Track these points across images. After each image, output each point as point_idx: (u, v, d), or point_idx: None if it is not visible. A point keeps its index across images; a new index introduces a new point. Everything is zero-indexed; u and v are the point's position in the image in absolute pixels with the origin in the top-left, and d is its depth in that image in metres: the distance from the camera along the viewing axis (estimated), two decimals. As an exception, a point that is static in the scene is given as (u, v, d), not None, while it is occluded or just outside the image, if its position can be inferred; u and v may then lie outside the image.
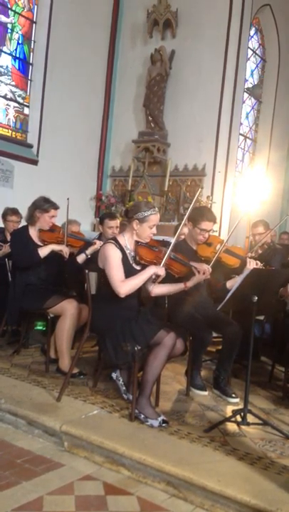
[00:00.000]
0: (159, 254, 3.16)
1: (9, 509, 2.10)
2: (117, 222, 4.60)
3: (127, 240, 3.14)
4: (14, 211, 4.88)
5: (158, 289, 3.22)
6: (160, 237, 3.28)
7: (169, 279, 3.25)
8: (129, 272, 3.10)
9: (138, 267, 3.15)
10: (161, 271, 3.04)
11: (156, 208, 3.17)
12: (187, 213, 3.44)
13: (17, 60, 7.35)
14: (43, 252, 3.79)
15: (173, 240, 3.28)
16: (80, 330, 3.67)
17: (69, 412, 2.95)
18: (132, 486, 2.38)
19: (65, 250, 3.84)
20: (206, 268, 3.32)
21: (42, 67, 7.38)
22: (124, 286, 2.96)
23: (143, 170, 7.90)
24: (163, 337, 2.86)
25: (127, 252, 3.12)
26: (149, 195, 7.53)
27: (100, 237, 4.64)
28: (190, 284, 3.29)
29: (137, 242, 3.14)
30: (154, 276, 3.04)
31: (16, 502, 2.15)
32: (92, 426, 2.77)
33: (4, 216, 4.93)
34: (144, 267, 3.19)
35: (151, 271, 3.03)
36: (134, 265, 3.14)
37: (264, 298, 3.01)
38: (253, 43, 8.96)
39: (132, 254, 3.14)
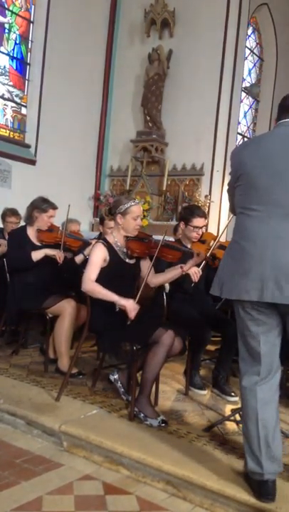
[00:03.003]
0: (150, 244, 3.19)
1: (8, 509, 2.10)
2: None
3: (115, 237, 3.17)
4: (13, 212, 4.88)
5: (156, 280, 3.26)
6: (159, 237, 3.29)
7: (161, 266, 3.31)
8: (121, 268, 3.13)
9: (132, 261, 3.21)
10: (132, 312, 2.92)
11: (137, 200, 3.20)
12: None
13: (14, 60, 7.34)
14: (37, 256, 3.79)
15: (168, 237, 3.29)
16: (78, 330, 3.67)
17: (68, 411, 2.95)
18: (131, 485, 2.38)
19: (58, 255, 3.83)
20: (200, 251, 3.32)
21: (39, 67, 7.37)
22: (90, 285, 3.00)
23: (141, 169, 7.89)
24: (161, 335, 2.86)
25: (117, 248, 3.14)
26: (147, 194, 7.53)
27: (99, 237, 4.63)
28: (186, 267, 3.26)
29: (126, 238, 3.16)
30: (118, 308, 2.97)
31: (16, 502, 2.15)
32: (91, 425, 2.77)
33: (3, 217, 4.92)
34: (138, 260, 3.21)
35: (120, 301, 2.94)
36: (127, 260, 3.16)
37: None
38: (251, 42, 8.96)
39: (124, 250, 3.16)
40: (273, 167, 2.09)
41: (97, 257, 3.07)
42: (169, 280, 3.35)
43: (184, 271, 3.25)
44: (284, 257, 2.03)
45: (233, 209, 2.40)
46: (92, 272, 3.04)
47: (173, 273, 3.29)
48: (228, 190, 2.38)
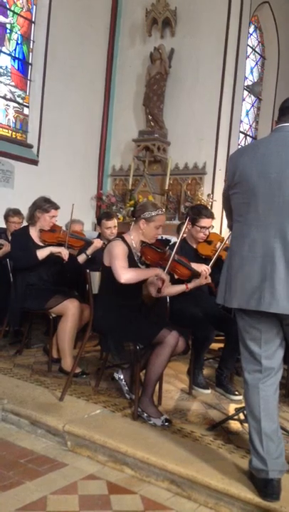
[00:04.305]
0: (164, 255, 3.23)
1: (13, 509, 2.10)
2: (114, 222, 4.59)
3: (133, 239, 3.17)
4: (16, 212, 4.88)
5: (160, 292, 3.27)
6: (160, 236, 3.31)
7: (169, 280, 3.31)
8: None
9: (143, 267, 3.21)
10: (165, 275, 3.09)
11: (163, 209, 3.21)
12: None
13: (16, 61, 7.35)
14: (42, 254, 3.79)
15: (177, 242, 3.32)
16: (82, 329, 3.68)
17: (72, 411, 2.96)
18: (135, 485, 2.38)
19: (63, 253, 3.82)
20: (205, 268, 3.43)
21: (41, 67, 7.37)
22: (127, 273, 2.95)
23: (143, 169, 7.89)
24: (165, 336, 2.86)
25: (133, 251, 3.14)
26: (149, 194, 7.53)
27: (99, 237, 4.63)
28: (191, 285, 3.43)
29: (142, 243, 3.17)
30: (156, 280, 3.10)
31: (20, 502, 2.16)
32: (95, 425, 2.77)
33: (6, 217, 4.93)
34: (148, 267, 3.22)
35: (156, 271, 3.09)
36: (139, 264, 3.17)
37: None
38: (252, 40, 8.94)
39: (138, 253, 3.17)
40: (270, 175, 2.08)
41: (122, 251, 3.05)
42: (173, 294, 3.43)
43: (188, 289, 3.42)
44: (280, 267, 2.04)
45: (229, 218, 2.41)
46: (122, 263, 3.00)
47: (177, 288, 3.42)
48: (224, 202, 2.40)
